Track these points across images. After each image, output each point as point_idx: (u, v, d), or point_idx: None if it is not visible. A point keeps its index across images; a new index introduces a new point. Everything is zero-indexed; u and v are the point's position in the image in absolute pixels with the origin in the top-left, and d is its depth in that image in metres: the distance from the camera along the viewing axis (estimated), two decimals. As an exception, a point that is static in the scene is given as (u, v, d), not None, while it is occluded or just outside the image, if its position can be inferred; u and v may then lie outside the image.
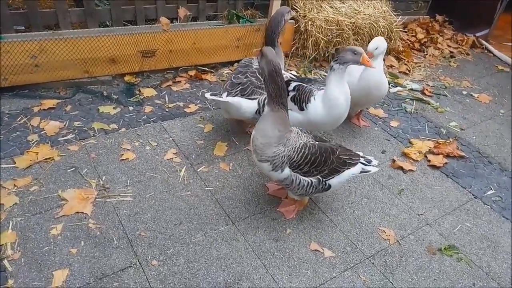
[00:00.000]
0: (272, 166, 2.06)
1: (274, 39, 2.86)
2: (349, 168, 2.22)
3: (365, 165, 2.27)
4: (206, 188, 2.47)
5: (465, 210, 2.63)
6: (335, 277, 2.06)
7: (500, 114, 3.80)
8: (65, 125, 2.79)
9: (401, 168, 2.90)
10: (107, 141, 2.71)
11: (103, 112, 2.98)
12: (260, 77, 2.67)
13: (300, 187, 2.13)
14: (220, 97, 2.54)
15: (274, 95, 1.97)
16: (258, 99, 2.65)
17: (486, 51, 5.10)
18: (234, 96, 2.58)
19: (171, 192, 2.40)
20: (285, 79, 2.70)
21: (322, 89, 2.54)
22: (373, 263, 2.17)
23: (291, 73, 2.79)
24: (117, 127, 2.85)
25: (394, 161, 2.95)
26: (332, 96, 2.45)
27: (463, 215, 2.59)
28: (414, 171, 2.90)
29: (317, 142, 2.14)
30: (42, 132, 2.69)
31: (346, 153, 2.21)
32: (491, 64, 4.77)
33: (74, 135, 2.71)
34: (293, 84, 2.65)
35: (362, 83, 2.87)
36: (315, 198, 2.53)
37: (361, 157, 2.29)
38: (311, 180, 2.13)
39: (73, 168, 2.45)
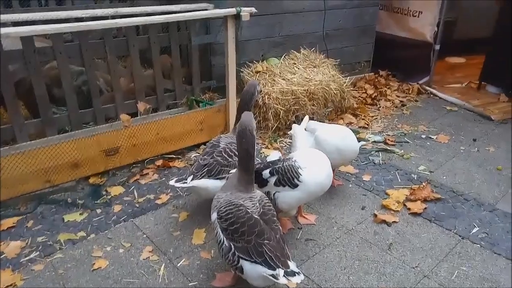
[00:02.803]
0: (211, 208, 2.21)
1: (244, 111, 2.86)
2: (262, 266, 1.89)
3: (274, 276, 1.87)
4: (190, 284, 2.29)
5: (457, 253, 2.58)
6: None
7: (461, 151, 3.96)
8: (27, 243, 2.58)
9: (384, 221, 2.86)
10: (75, 252, 2.52)
11: (68, 220, 2.81)
12: (226, 156, 2.69)
13: (216, 240, 2.12)
14: (184, 182, 2.52)
15: (238, 156, 2.15)
16: (226, 177, 2.63)
17: (431, 95, 5.46)
18: (200, 178, 2.55)
19: (152, 296, 2.20)
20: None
21: (294, 160, 2.55)
22: (381, 333, 2.02)
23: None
24: (85, 235, 2.67)
25: (375, 215, 2.91)
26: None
27: (456, 259, 2.53)
28: (397, 222, 2.86)
29: (255, 216, 2.01)
30: (2, 256, 2.46)
31: (275, 252, 1.90)
32: (440, 106, 5.09)
33: (38, 253, 2.50)
34: (266, 171, 2.56)
35: (332, 146, 2.94)
36: (307, 271, 2.40)
37: (287, 270, 1.88)
38: (224, 240, 2.04)
39: (40, 290, 2.22)
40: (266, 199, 2.18)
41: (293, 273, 1.87)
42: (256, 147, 2.68)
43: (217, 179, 2.60)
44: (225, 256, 2.04)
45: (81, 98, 3.63)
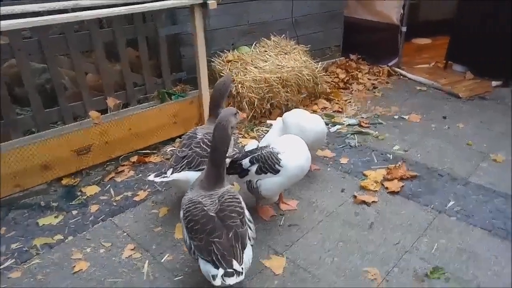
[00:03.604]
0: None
1: (220, 102, 2.85)
2: (211, 265, 1.86)
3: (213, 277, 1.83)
4: (175, 279, 2.25)
5: (435, 227, 2.66)
6: (335, 337, 1.91)
7: (433, 128, 4.07)
8: (1, 251, 2.46)
9: (364, 202, 2.91)
10: (54, 256, 2.42)
11: (43, 224, 2.69)
12: (204, 146, 2.65)
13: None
14: (164, 176, 2.45)
15: (210, 150, 2.17)
16: None
17: (401, 76, 5.58)
18: (180, 171, 2.50)
19: (137, 295, 2.15)
20: (227, 160, 2.60)
21: (272, 147, 2.54)
22: (369, 310, 2.06)
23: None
24: (62, 237, 2.57)
25: (355, 197, 2.96)
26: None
27: (435, 233, 2.61)
28: (376, 202, 2.92)
29: (211, 213, 1.96)
30: (-27, 267, 2.34)
31: (222, 251, 1.85)
32: (410, 87, 5.20)
33: (14, 260, 2.39)
34: (246, 160, 2.54)
35: (295, 126, 2.96)
36: (292, 256, 2.41)
37: (228, 270, 1.82)
38: (187, 238, 2.02)
39: (18, 299, 2.12)
40: (229, 195, 2.08)
41: (232, 273, 1.80)
42: (231, 142, 2.68)
43: (198, 170, 2.56)
44: (189, 253, 2.03)
45: (45, 97, 3.47)
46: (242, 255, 1.89)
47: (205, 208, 1.99)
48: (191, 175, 2.53)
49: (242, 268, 1.83)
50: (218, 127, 2.11)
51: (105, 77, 3.65)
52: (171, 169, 2.50)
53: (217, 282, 1.79)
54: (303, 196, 3.00)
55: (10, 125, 3.17)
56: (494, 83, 5.10)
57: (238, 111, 2.27)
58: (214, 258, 1.84)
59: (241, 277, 1.81)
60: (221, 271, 1.81)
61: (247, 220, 2.07)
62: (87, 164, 3.27)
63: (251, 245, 2.04)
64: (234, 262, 1.84)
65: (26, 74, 3.17)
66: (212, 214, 1.97)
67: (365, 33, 5.90)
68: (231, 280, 1.78)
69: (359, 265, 2.35)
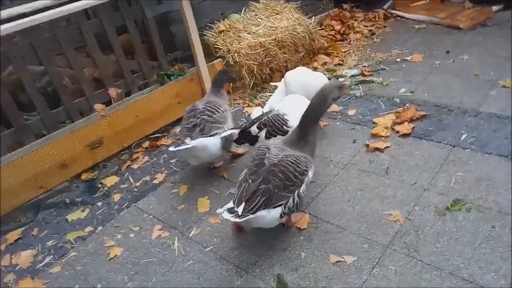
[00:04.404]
0: None
1: (222, 82, 3.03)
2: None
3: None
4: (206, 250, 2.35)
5: (451, 162, 2.67)
6: (366, 279, 1.99)
7: (437, 65, 4.00)
8: (38, 250, 2.59)
9: (377, 149, 2.92)
10: (88, 247, 2.53)
11: (72, 220, 2.80)
12: (209, 113, 2.68)
13: None
14: (185, 144, 2.52)
15: (304, 111, 2.21)
16: (218, 133, 2.65)
17: (398, 18, 5.42)
18: (196, 138, 2.56)
19: (173, 269, 2.25)
20: (236, 131, 2.65)
21: (277, 110, 2.57)
22: (395, 250, 2.12)
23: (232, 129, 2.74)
24: (93, 229, 2.68)
25: (367, 145, 2.97)
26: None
27: (451, 168, 2.62)
28: (389, 146, 2.93)
29: (266, 161, 2.11)
30: (17, 268, 2.46)
31: (244, 191, 1.99)
32: (408, 27, 5.06)
33: (51, 256, 2.51)
34: (254, 127, 2.59)
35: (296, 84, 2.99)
36: (314, 212, 2.47)
37: (236, 208, 1.94)
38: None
39: (64, 290, 2.25)
40: (293, 159, 2.12)
41: (233, 212, 1.92)
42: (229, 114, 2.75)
43: (211, 136, 2.62)
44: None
45: (49, 99, 3.50)
46: (257, 208, 1.95)
47: (267, 155, 2.13)
48: (209, 141, 2.59)
49: (243, 215, 1.90)
50: (319, 94, 2.19)
51: (102, 69, 3.65)
52: (188, 138, 2.55)
53: (219, 210, 1.96)
54: (316, 152, 3.01)
55: (21, 131, 3.23)
56: (494, 8, 4.93)
57: (344, 85, 2.30)
58: (236, 191, 2.01)
59: (235, 219, 1.90)
60: (229, 205, 1.96)
61: (295, 193, 2.10)
62: (102, 157, 3.34)
63: (285, 213, 2.10)
64: (241, 206, 1.93)
65: (25, 79, 3.20)
66: (266, 162, 2.09)
67: (356, -22, 5.69)
68: (226, 215, 1.91)
69: (380, 210, 2.40)
